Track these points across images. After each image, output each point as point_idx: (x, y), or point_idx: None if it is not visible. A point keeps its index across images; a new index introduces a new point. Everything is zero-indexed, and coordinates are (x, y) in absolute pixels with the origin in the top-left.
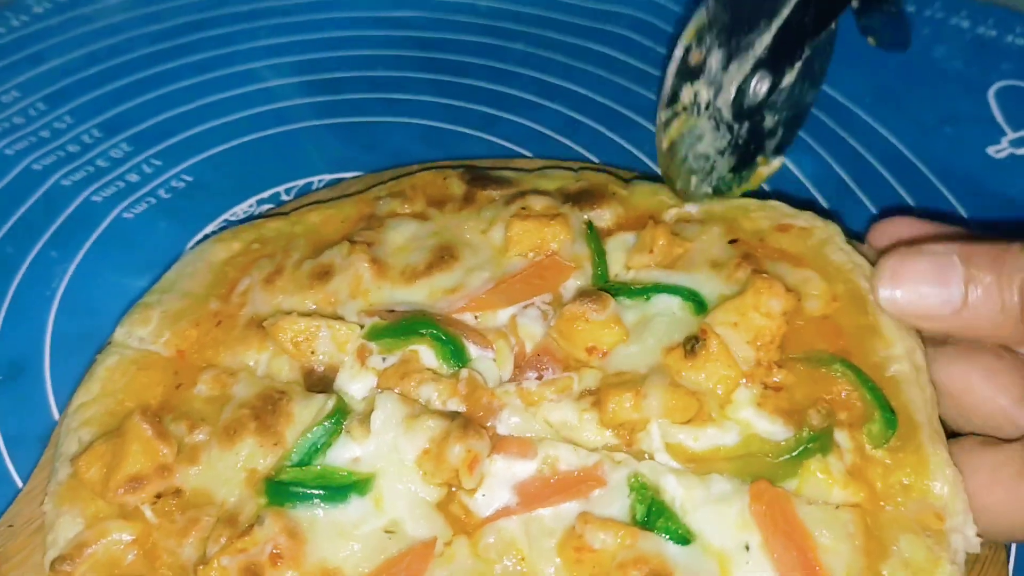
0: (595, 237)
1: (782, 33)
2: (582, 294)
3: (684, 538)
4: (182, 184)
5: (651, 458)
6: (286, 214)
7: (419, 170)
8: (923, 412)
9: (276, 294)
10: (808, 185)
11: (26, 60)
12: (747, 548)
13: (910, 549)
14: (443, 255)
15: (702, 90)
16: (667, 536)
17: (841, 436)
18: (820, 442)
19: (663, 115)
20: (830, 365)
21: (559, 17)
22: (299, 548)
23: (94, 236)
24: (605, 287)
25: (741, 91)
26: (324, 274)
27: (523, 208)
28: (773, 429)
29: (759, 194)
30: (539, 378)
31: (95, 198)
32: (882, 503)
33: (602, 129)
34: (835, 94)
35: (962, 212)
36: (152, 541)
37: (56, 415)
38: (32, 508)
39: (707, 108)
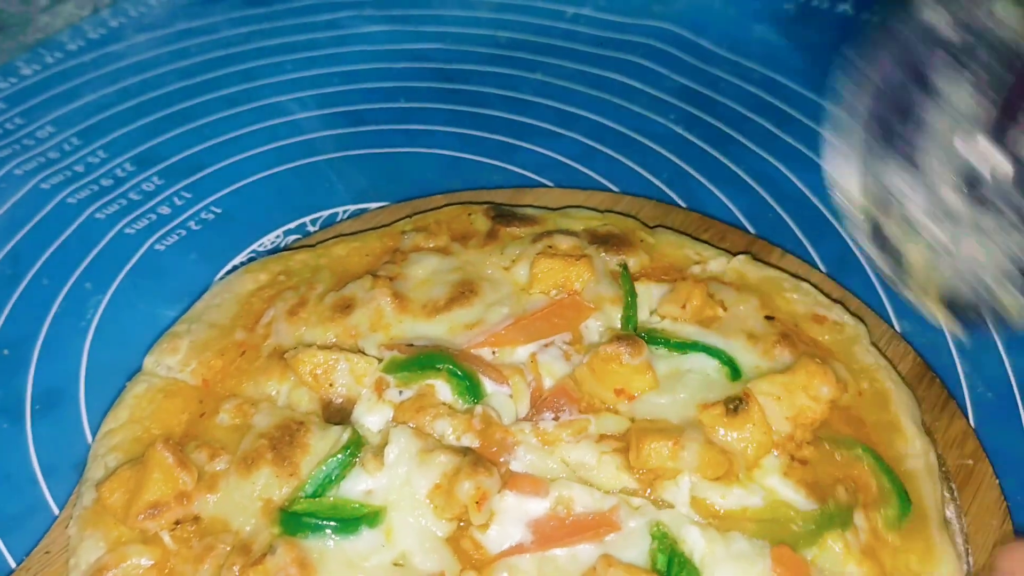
0: (628, 279)
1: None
2: (618, 337)
3: None
4: (212, 216)
5: (671, 508)
6: (313, 246)
7: (444, 204)
8: (933, 505)
9: (299, 326)
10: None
11: (61, 96)
12: None
13: None
14: (464, 290)
15: (934, 232)
16: None
17: (857, 516)
18: (842, 517)
19: (913, 295)
20: (853, 449)
21: (576, 47)
22: None
23: (127, 268)
24: (639, 333)
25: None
26: (346, 307)
27: (549, 246)
28: (795, 499)
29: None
30: (555, 419)
31: (128, 230)
32: None
33: (619, 156)
34: None
35: None
36: (170, 567)
37: (91, 443)
38: (67, 534)
39: (955, 240)
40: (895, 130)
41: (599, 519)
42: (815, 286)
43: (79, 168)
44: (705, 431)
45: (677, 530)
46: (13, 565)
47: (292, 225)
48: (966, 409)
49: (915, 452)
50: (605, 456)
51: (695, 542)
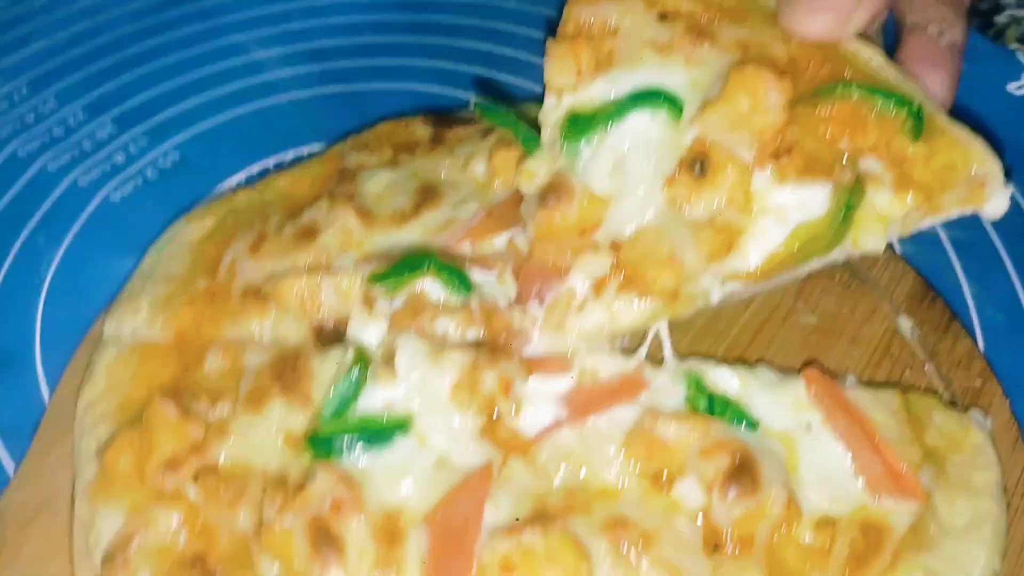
0: (497, 114)
1: None
2: (543, 194)
3: (754, 423)
4: (169, 163)
5: (707, 295)
6: (252, 186)
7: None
8: (925, 99)
9: (265, 260)
10: None
11: (8, 44)
12: (809, 427)
13: (944, 423)
14: (427, 195)
15: None
16: (736, 422)
17: (870, 162)
18: (855, 194)
19: None
20: (833, 92)
21: None
22: (358, 495)
23: (81, 220)
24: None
25: None
26: (310, 232)
27: (501, 138)
28: (804, 195)
29: None
30: (541, 304)
31: (81, 181)
32: (937, 194)
33: None
34: None
35: None
36: (202, 519)
37: (47, 402)
38: (22, 497)
39: None
40: None
41: (627, 381)
42: None
43: (29, 118)
44: (679, 208)
45: (706, 374)
46: None
47: (255, 169)
48: (974, 332)
49: (870, 55)
50: (615, 304)
51: (727, 381)
